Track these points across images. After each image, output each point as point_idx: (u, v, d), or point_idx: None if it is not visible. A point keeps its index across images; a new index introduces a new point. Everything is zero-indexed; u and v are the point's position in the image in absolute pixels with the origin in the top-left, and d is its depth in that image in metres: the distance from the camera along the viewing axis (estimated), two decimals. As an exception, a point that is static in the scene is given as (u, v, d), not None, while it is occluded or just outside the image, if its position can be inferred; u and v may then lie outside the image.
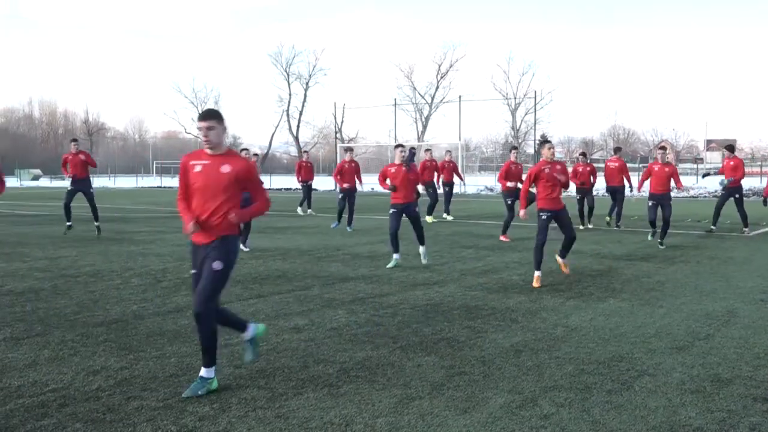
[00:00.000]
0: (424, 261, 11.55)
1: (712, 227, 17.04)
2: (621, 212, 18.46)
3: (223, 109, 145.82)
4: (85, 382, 5.41)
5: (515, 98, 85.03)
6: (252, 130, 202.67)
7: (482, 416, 4.73)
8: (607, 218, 18.51)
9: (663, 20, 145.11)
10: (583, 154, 19.15)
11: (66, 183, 17.70)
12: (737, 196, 16.77)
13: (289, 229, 18.02)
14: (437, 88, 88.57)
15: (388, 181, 11.51)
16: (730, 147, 17.96)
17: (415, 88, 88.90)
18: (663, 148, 15.44)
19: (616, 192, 18.52)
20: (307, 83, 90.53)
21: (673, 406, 4.91)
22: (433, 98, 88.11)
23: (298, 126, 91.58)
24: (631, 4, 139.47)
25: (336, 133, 67.44)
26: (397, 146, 11.78)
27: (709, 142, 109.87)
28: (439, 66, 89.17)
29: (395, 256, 11.43)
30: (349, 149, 18.45)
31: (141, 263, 11.73)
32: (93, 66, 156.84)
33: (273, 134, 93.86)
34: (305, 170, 23.23)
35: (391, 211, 11.42)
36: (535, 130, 58.47)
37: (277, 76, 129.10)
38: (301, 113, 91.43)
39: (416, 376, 5.57)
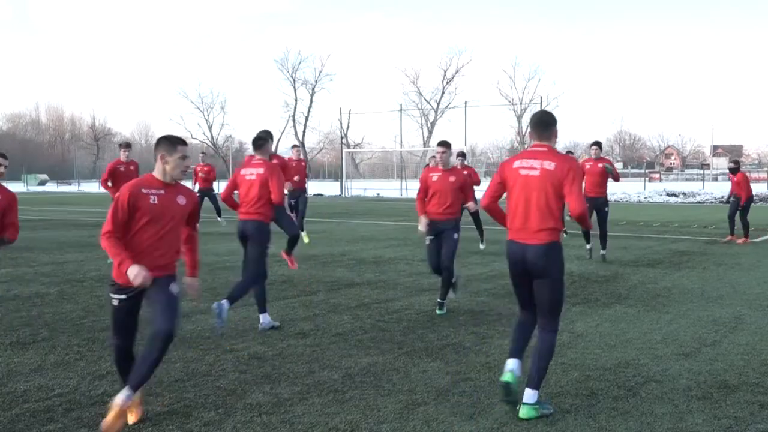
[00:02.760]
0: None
1: (731, 236, 16.34)
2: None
3: (229, 115, 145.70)
4: (90, 387, 5.42)
5: (521, 104, 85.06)
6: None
7: (488, 422, 4.71)
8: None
9: (669, 26, 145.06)
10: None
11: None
12: (743, 205, 16.51)
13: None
14: (443, 93, 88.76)
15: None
16: (732, 168, 16.95)
17: (420, 94, 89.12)
18: (597, 144, 13.26)
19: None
20: (313, 89, 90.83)
21: (679, 412, 4.89)
22: (438, 104, 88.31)
23: (303, 131, 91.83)
24: (638, 9, 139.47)
25: (342, 138, 67.51)
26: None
27: (715, 147, 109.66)
28: (445, 71, 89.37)
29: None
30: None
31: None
32: (100, 71, 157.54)
33: (279, 139, 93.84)
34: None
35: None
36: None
37: (283, 81, 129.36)
38: (306, 119, 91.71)
39: (421, 382, 5.56)
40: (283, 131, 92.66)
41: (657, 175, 78.48)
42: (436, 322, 7.74)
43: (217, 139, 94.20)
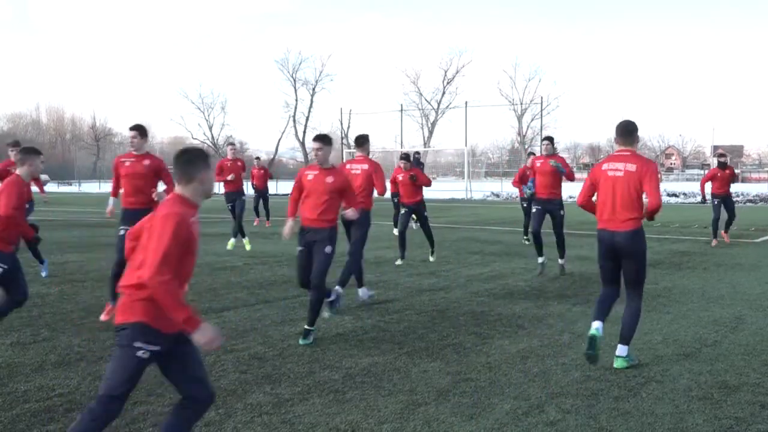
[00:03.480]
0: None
1: (715, 242, 15.49)
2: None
3: (229, 115, 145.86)
4: (91, 387, 5.42)
5: (521, 104, 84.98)
6: (258, 136, 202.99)
7: (488, 422, 4.72)
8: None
9: (670, 26, 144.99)
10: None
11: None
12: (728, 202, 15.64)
13: (295, 234, 18.03)
14: (443, 93, 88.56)
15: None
16: (720, 162, 15.99)
17: (421, 94, 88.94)
18: (548, 139, 11.47)
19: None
20: (313, 89, 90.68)
21: (680, 412, 4.89)
22: (439, 104, 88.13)
23: (304, 131, 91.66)
24: (638, 9, 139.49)
25: (342, 138, 67.49)
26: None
27: (716, 147, 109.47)
28: (446, 72, 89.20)
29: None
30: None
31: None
32: (100, 71, 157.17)
33: (279, 140, 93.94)
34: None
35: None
36: (541, 135, 58.29)
37: (283, 81, 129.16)
38: (307, 119, 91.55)
39: (422, 382, 5.57)
40: (284, 131, 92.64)
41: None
42: (437, 322, 7.74)
43: (217, 140, 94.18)
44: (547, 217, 11.06)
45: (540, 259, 11.13)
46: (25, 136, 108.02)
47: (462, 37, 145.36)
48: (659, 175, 5.74)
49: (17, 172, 6.46)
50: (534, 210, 11.23)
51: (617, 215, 6.02)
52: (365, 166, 8.92)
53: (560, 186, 11.16)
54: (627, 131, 6.08)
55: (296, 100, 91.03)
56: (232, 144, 16.78)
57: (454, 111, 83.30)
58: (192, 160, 3.80)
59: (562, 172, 10.97)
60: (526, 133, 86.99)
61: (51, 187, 78.89)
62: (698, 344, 6.74)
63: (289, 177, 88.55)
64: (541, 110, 52.81)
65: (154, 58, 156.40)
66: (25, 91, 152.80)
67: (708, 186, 15.72)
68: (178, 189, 3.79)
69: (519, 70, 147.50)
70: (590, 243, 15.07)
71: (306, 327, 6.85)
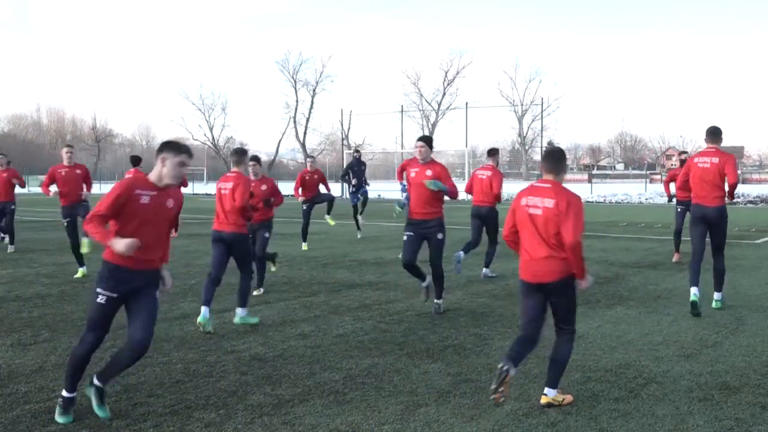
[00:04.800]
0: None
1: (677, 255, 12.91)
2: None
3: (230, 116, 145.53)
4: (91, 388, 5.41)
5: (522, 105, 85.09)
6: (259, 137, 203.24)
7: (489, 424, 4.71)
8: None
9: (671, 27, 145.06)
10: None
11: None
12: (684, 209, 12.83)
13: (296, 235, 18.01)
14: (444, 94, 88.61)
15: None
16: (682, 161, 12.45)
17: (421, 95, 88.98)
18: (423, 139, 8.38)
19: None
20: (314, 90, 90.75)
21: (680, 414, 4.89)
22: (439, 105, 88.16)
23: (305, 132, 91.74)
24: (639, 10, 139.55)
25: (343, 139, 67.50)
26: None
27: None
28: (446, 73, 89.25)
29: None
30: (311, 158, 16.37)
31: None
32: (101, 72, 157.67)
33: (280, 141, 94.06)
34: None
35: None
36: (542, 137, 58.39)
37: (284, 83, 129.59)
38: (308, 120, 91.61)
39: (423, 383, 5.56)
40: (284, 132, 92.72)
41: (658, 177, 78.39)
42: (437, 323, 7.74)
43: (218, 141, 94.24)
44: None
45: (423, 283, 8.56)
46: (26, 137, 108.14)
47: (462, 37, 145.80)
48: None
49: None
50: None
51: (708, 194, 8.14)
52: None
53: (440, 202, 8.28)
54: (713, 133, 8.29)
55: (297, 101, 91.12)
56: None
57: (454, 112, 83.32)
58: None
59: (442, 190, 8.16)
60: (526, 134, 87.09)
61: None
62: (699, 345, 6.73)
63: (290, 178, 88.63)
64: (542, 111, 52.72)
65: (154, 59, 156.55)
66: (26, 92, 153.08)
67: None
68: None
69: (519, 71, 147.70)
70: (589, 245, 15.09)
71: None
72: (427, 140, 8.38)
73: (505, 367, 4.77)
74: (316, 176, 15.09)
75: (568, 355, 5.07)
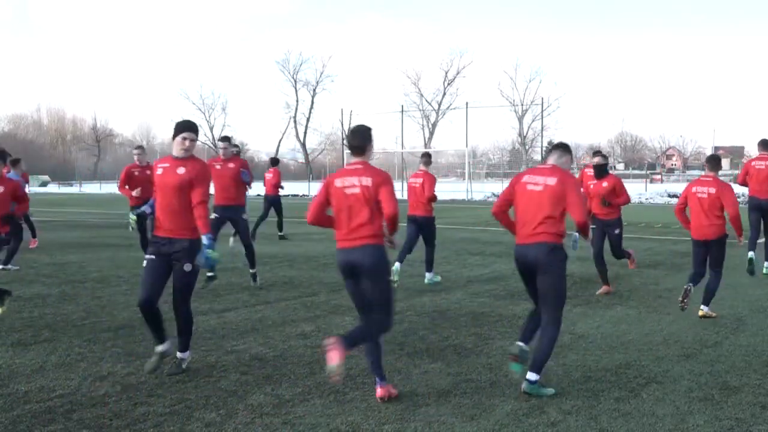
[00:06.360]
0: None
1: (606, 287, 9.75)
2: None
3: (230, 116, 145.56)
4: (92, 388, 5.42)
5: (522, 105, 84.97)
6: (259, 137, 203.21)
7: (489, 423, 4.71)
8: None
9: (671, 27, 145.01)
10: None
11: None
12: (617, 231, 10.55)
13: (296, 235, 18.03)
14: (444, 94, 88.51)
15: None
16: (601, 164, 10.28)
17: (422, 95, 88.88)
18: (223, 139, 9.85)
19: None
20: (314, 90, 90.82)
21: (681, 413, 4.89)
22: (440, 105, 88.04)
23: (305, 132, 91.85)
24: (639, 10, 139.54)
25: (343, 139, 67.53)
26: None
27: (716, 149, 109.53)
28: (446, 73, 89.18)
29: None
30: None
31: (148, 269, 11.74)
32: (101, 72, 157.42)
33: (280, 140, 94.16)
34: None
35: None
36: (542, 137, 58.33)
37: (284, 82, 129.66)
38: (308, 120, 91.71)
39: (423, 383, 5.56)
40: (285, 132, 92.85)
41: (658, 177, 78.35)
42: (438, 323, 7.74)
43: (218, 141, 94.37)
44: None
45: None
46: (26, 137, 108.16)
47: (463, 38, 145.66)
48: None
49: None
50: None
51: (763, 189, 11.22)
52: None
53: (244, 192, 9.20)
54: (765, 143, 11.34)
55: (297, 101, 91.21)
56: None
57: (454, 112, 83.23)
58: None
59: (245, 181, 9.32)
60: (527, 134, 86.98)
61: (52, 188, 79.00)
62: (699, 345, 6.73)
63: (290, 178, 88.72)
64: (542, 111, 52.68)
65: (154, 59, 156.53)
66: (26, 92, 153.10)
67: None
68: None
69: (520, 71, 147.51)
70: (589, 246, 15.02)
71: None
72: None
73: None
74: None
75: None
